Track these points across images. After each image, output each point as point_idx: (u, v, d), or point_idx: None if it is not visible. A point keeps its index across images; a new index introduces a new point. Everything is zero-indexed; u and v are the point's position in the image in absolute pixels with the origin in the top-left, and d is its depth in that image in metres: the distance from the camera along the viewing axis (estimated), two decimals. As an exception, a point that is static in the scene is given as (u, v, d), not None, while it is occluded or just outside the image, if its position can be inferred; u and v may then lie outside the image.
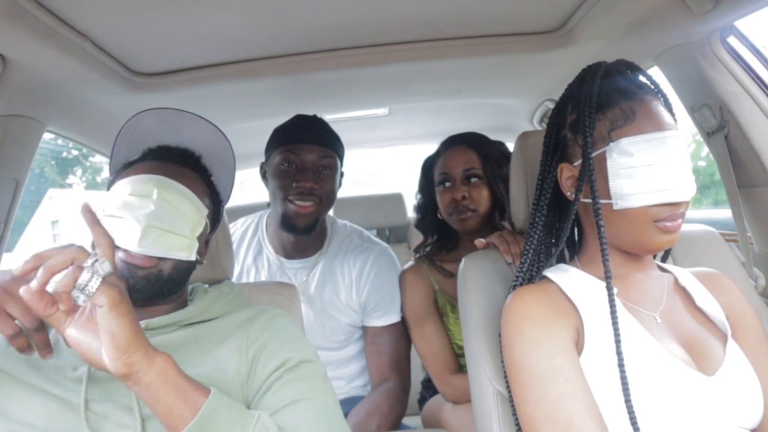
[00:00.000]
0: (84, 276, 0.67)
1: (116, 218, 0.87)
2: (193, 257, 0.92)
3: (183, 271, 0.94)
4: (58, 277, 0.68)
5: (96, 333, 0.70)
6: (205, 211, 0.95)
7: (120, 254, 0.87)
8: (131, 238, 0.85)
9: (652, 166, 0.82)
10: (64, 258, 0.69)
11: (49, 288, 0.69)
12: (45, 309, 0.68)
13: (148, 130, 1.03)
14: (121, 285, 0.72)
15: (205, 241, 1.03)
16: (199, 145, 1.04)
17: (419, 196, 1.70)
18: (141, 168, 0.94)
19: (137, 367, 0.70)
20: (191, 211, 0.91)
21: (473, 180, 1.52)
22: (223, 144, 1.05)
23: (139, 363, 0.70)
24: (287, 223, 1.50)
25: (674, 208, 0.83)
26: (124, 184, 0.90)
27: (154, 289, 0.90)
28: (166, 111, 1.03)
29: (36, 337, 0.75)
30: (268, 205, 1.63)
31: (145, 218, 0.86)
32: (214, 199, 1.04)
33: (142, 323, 0.90)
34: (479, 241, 1.26)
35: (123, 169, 0.97)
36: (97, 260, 0.70)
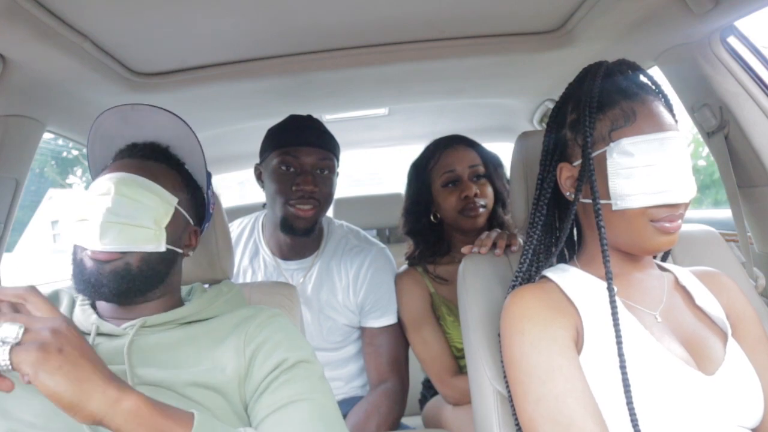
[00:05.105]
0: None
1: (82, 221, 0.89)
2: (162, 248, 0.91)
3: (154, 263, 0.92)
4: None
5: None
6: (174, 200, 0.94)
7: (87, 252, 0.88)
8: (92, 237, 0.86)
9: (652, 167, 0.81)
10: None
11: None
12: None
13: (115, 131, 1.02)
14: (47, 336, 0.64)
15: (193, 231, 1.01)
16: (164, 136, 1.03)
17: (410, 200, 1.65)
18: (110, 170, 0.95)
19: (101, 415, 0.65)
20: (154, 201, 0.91)
21: (480, 177, 1.55)
22: (185, 131, 1.03)
23: (101, 410, 0.65)
24: (286, 225, 1.50)
25: (673, 210, 0.82)
26: (90, 188, 0.92)
27: (124, 284, 0.89)
28: (122, 108, 1.02)
29: None
30: (264, 206, 1.62)
31: (102, 215, 0.87)
32: (191, 186, 1.03)
33: (139, 321, 0.90)
34: (468, 248, 1.26)
35: (99, 174, 0.98)
36: None
